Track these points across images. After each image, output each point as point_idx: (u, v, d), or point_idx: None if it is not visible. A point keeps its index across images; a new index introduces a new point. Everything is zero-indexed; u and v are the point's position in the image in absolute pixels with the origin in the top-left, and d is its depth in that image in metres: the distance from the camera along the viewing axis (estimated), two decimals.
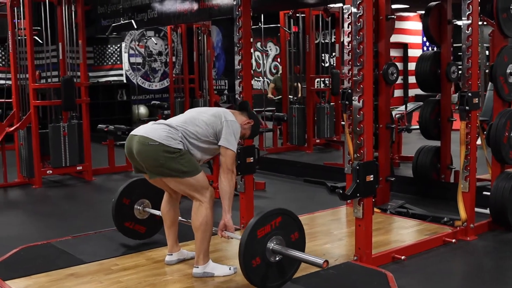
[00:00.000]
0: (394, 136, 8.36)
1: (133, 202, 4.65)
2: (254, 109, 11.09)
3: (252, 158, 5.08)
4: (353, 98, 4.09)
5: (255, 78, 18.83)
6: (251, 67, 5.06)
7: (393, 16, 6.01)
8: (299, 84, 10.97)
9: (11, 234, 5.49)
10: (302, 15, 10.62)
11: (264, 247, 3.52)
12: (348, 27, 4.99)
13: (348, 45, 5.21)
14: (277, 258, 3.58)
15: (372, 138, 4.12)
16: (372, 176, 4.09)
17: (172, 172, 3.77)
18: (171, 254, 4.23)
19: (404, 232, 5.04)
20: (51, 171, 7.85)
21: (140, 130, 3.86)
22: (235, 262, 4.19)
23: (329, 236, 4.97)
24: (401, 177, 6.93)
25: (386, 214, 5.57)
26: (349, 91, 5.36)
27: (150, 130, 3.82)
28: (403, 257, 4.32)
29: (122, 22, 9.01)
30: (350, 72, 5.26)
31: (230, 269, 4.00)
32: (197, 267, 3.94)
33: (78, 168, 8.02)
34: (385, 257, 4.34)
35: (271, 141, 10.73)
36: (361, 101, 4.03)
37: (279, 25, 10.76)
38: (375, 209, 5.59)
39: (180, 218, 4.27)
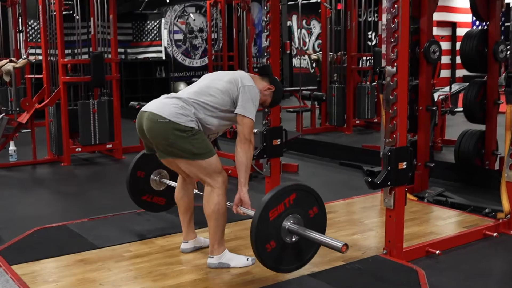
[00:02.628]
0: (437, 118, 7.99)
1: (149, 174, 4.38)
2: (304, 88, 10.92)
3: (279, 140, 4.77)
4: (386, 77, 3.74)
5: (298, 57, 18.48)
6: (279, 43, 4.73)
7: None
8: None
9: (31, 214, 5.32)
10: None
11: (279, 228, 3.21)
12: (385, 3, 4.61)
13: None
14: (294, 239, 3.27)
15: (406, 121, 3.76)
16: (405, 163, 3.74)
17: (182, 153, 3.48)
18: (187, 242, 3.97)
19: (441, 223, 4.66)
20: (80, 149, 7.69)
21: (150, 106, 3.57)
22: None
23: (359, 225, 4.63)
24: (442, 162, 6.53)
25: (423, 202, 5.20)
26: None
27: (160, 106, 3.52)
28: (437, 252, 3.96)
29: None
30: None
31: (248, 259, 3.71)
32: (212, 257, 3.67)
33: (108, 146, 7.84)
34: (418, 251, 3.98)
35: (309, 121, 10.36)
36: (394, 80, 3.68)
37: (319, 0, 10.36)
38: (412, 197, 5.25)
39: (196, 191, 4.00)
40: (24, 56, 9.13)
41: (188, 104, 3.51)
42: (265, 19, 4.64)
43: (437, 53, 5.57)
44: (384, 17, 3.77)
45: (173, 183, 4.17)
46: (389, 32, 3.67)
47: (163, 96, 3.66)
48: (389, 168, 3.69)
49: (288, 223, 3.23)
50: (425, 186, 5.64)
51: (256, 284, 3.46)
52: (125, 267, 3.74)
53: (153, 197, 4.47)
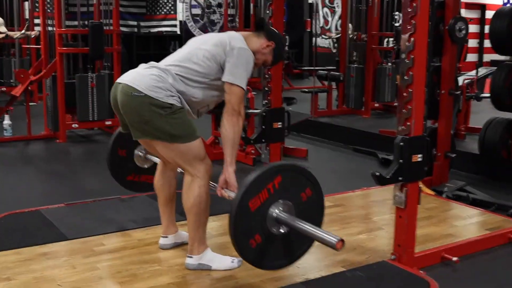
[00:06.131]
0: (461, 104, 7.41)
1: (131, 151, 3.86)
2: (321, 68, 10.35)
3: (280, 123, 4.25)
4: (401, 54, 3.19)
5: (323, 36, 17.90)
6: (283, 15, 4.19)
7: None
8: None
9: (9, 196, 4.86)
10: None
11: (264, 218, 2.70)
12: None
13: None
14: (282, 230, 2.76)
15: (423, 107, 3.22)
16: (420, 155, 3.20)
17: (158, 134, 2.97)
18: (166, 237, 3.47)
19: (461, 223, 4.10)
20: (77, 125, 7.22)
21: (126, 77, 3.04)
22: None
23: (367, 223, 4.10)
24: (464, 152, 5.93)
25: (441, 198, 4.65)
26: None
27: (137, 77, 2.99)
28: (455, 258, 3.40)
29: None
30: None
31: (233, 261, 3.20)
32: (191, 257, 3.17)
33: (107, 123, 7.35)
34: (432, 256, 3.44)
35: (325, 102, 9.79)
36: (411, 58, 3.12)
37: None
38: (429, 191, 4.71)
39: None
40: (23, 31, 8.68)
41: (168, 75, 2.99)
42: None
43: (464, 31, 4.98)
44: None
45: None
46: (406, 1, 3.10)
47: (141, 66, 3.14)
48: (401, 160, 3.16)
49: (276, 211, 2.71)
50: (445, 179, 5.09)
51: None
52: (91, 264, 3.25)
53: (140, 176, 3.93)
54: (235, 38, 3.09)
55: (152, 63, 3.11)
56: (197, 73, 3.03)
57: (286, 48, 16.94)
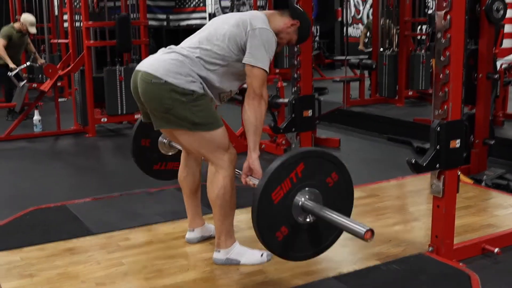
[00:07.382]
0: (499, 89, 7.15)
1: (155, 139, 3.71)
2: (353, 56, 10.12)
3: (310, 111, 4.09)
4: (436, 34, 3.01)
5: (354, 25, 17.69)
6: (312, 8, 4.04)
7: None
8: (394, 30, 9.65)
9: (38, 191, 4.80)
10: None
11: (289, 208, 2.55)
12: None
13: None
14: (309, 219, 2.60)
15: (461, 88, 3.03)
16: (458, 141, 3.02)
17: (180, 121, 2.83)
18: (192, 230, 3.36)
19: (502, 213, 3.89)
20: (105, 119, 7.16)
21: (145, 63, 2.92)
22: None
23: (403, 213, 3.92)
24: (503, 139, 5.70)
25: (480, 186, 4.45)
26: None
27: (155, 63, 2.86)
28: (496, 250, 3.21)
29: None
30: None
31: (262, 255, 3.06)
32: (218, 251, 3.05)
33: (136, 116, 7.27)
34: (472, 248, 3.26)
35: (357, 92, 9.59)
36: (447, 37, 2.94)
37: None
38: (467, 179, 4.51)
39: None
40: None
41: (190, 59, 2.85)
42: None
43: (502, 12, 4.73)
44: None
45: None
46: None
47: (160, 51, 3.01)
48: (438, 146, 2.98)
49: (302, 199, 2.56)
50: (483, 166, 4.87)
51: (268, 287, 2.83)
52: (117, 260, 3.15)
53: (167, 163, 3.79)
54: (256, 18, 2.93)
55: (172, 47, 2.97)
56: (216, 55, 2.88)
57: (317, 38, 16.70)
